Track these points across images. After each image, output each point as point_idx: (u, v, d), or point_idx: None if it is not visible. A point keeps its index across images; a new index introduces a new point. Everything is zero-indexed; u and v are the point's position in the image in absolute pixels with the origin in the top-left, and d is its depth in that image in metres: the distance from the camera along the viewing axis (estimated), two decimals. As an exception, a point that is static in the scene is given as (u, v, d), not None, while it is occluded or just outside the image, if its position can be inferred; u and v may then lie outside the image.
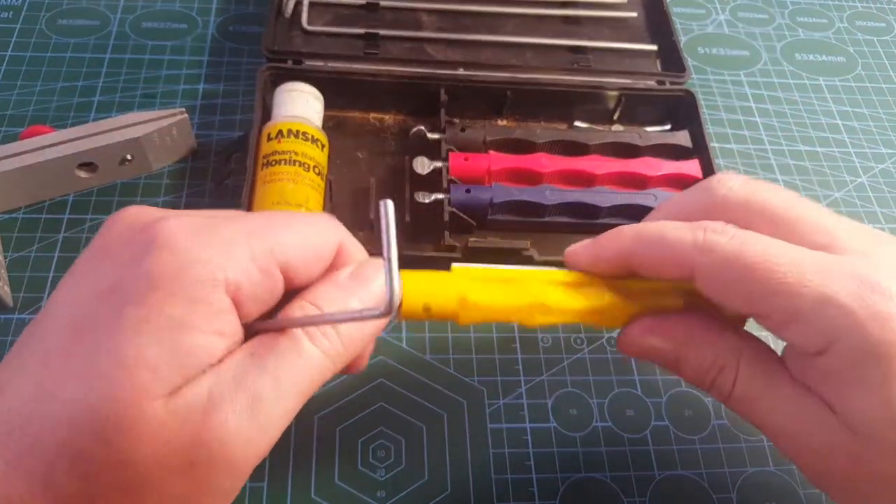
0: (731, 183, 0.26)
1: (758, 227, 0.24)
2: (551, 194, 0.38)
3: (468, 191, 0.38)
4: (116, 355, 0.19)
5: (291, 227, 0.23)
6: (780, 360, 0.25)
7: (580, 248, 0.28)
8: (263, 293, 0.22)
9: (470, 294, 0.27)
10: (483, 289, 0.27)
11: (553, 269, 0.28)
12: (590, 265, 0.28)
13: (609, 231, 0.27)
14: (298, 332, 0.22)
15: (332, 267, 0.24)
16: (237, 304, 0.21)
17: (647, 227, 0.26)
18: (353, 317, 0.21)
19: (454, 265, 0.27)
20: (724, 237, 0.24)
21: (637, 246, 0.26)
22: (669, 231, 0.25)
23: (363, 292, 0.24)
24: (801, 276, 0.22)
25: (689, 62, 0.46)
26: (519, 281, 0.27)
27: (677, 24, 0.50)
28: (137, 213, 0.22)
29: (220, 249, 0.20)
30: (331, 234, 0.24)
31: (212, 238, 0.20)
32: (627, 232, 0.27)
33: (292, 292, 0.23)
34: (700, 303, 0.27)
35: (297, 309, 0.22)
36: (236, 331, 0.21)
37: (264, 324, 0.22)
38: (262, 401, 0.20)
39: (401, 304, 0.23)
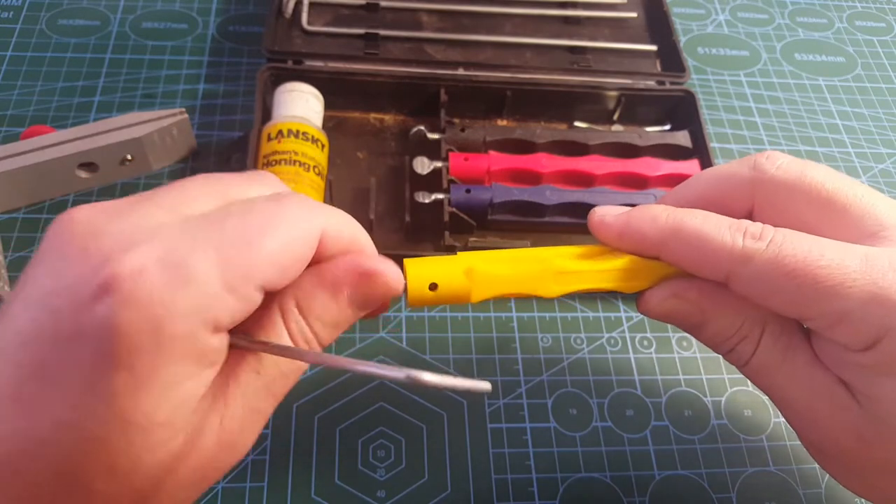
0: (779, 161, 0.25)
1: (803, 211, 0.24)
2: (551, 194, 0.38)
3: (468, 191, 0.38)
4: (108, 417, 0.18)
5: (271, 237, 0.20)
6: (802, 333, 0.25)
7: (611, 218, 0.26)
8: (242, 315, 0.20)
9: (478, 265, 0.25)
10: (492, 259, 0.25)
11: (565, 246, 0.26)
12: (614, 238, 0.25)
13: (642, 208, 0.25)
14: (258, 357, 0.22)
15: (317, 258, 0.22)
16: (217, 329, 0.19)
17: (686, 222, 0.24)
18: (387, 376, 0.20)
19: (459, 252, 0.26)
20: (762, 243, 0.22)
21: (672, 240, 0.24)
22: (709, 231, 0.23)
23: (361, 312, 0.23)
24: (845, 277, 0.21)
25: (689, 62, 0.46)
26: (531, 252, 0.26)
27: (677, 24, 0.51)
28: (87, 226, 0.19)
29: (196, 297, 0.18)
30: (314, 229, 0.21)
31: (184, 282, 0.18)
32: (664, 220, 0.24)
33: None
34: None
35: (293, 324, 0.22)
36: (223, 353, 0.20)
37: (255, 343, 0.21)
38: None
39: (406, 289, 0.23)
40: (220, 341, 0.20)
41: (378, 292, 0.23)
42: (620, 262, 0.25)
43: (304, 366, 0.23)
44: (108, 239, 0.18)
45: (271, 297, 0.22)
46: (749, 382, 0.36)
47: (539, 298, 0.27)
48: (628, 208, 0.26)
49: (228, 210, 0.20)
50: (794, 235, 0.22)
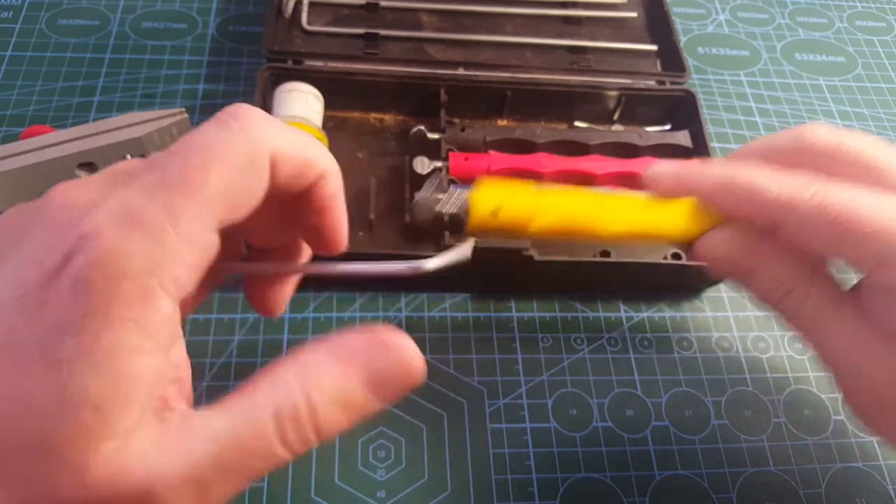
0: (819, 130, 0.26)
1: (845, 174, 0.25)
2: (551, 194, 0.38)
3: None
4: (59, 390, 0.16)
5: (212, 172, 0.18)
6: (848, 291, 0.26)
7: (664, 169, 0.27)
8: (201, 266, 0.18)
9: (544, 191, 0.25)
10: (557, 190, 0.25)
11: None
12: (668, 189, 0.27)
13: (693, 163, 0.27)
14: (273, 436, 0.18)
15: (275, 186, 0.20)
16: (177, 290, 0.18)
17: (738, 174, 0.26)
18: (388, 271, 0.19)
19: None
20: (807, 193, 0.24)
21: (724, 190, 0.26)
22: (759, 183, 0.25)
23: (377, 397, 0.21)
24: (884, 223, 0.23)
25: (689, 62, 0.46)
26: (591, 191, 0.26)
27: (677, 24, 0.50)
28: (68, 192, 0.19)
29: (151, 248, 0.17)
30: (260, 154, 0.19)
31: (140, 235, 0.17)
32: (717, 172, 0.26)
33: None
34: None
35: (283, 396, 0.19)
36: (178, 332, 0.19)
37: (250, 266, 0.20)
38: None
39: (469, 212, 0.23)
40: (174, 311, 0.18)
41: (395, 372, 0.21)
42: (676, 206, 0.26)
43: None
44: (76, 210, 0.18)
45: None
46: (749, 382, 0.36)
47: (594, 239, 0.27)
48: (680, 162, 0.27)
49: (170, 151, 0.18)
50: (836, 186, 0.24)
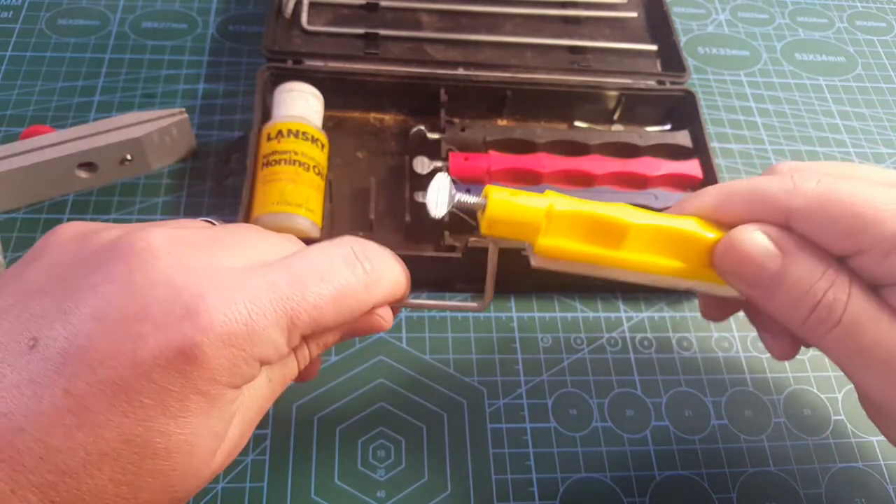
0: (808, 184, 0.24)
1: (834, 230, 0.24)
2: (551, 194, 0.38)
3: (468, 191, 0.38)
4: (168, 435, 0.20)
5: (331, 306, 0.22)
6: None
7: (674, 207, 0.27)
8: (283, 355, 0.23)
9: (557, 204, 0.24)
10: (572, 202, 0.25)
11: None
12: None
13: (688, 194, 0.27)
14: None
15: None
16: (263, 364, 0.22)
17: (737, 183, 0.25)
18: (451, 307, 0.27)
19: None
20: (813, 181, 0.23)
21: (729, 200, 0.25)
22: (760, 183, 0.24)
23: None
24: (890, 206, 0.22)
25: (689, 62, 0.46)
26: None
27: (677, 24, 0.51)
28: (171, 258, 0.21)
29: (261, 341, 0.21)
30: (368, 305, 0.24)
31: (256, 328, 0.21)
32: (714, 189, 0.26)
33: None
34: None
35: None
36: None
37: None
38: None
39: (484, 210, 0.24)
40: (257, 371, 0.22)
41: (367, 332, 0.26)
42: (688, 218, 0.25)
43: (294, 374, 0.25)
44: (192, 276, 0.20)
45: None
46: (749, 382, 0.36)
47: (606, 269, 0.26)
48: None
49: (305, 283, 0.22)
50: (837, 168, 0.25)
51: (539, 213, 0.24)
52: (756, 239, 0.24)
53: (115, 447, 0.19)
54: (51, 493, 0.18)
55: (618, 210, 0.25)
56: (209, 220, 0.26)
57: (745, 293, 0.25)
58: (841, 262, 0.24)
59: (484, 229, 0.25)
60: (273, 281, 0.21)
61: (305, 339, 0.23)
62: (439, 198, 0.25)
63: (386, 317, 0.26)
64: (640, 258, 0.25)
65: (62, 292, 0.20)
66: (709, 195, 0.26)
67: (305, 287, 0.22)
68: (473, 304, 0.28)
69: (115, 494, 0.19)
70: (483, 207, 0.24)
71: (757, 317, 0.28)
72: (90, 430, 0.19)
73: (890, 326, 0.23)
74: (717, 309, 0.29)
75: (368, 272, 0.24)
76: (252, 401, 0.23)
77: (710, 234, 0.25)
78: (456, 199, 0.25)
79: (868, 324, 0.23)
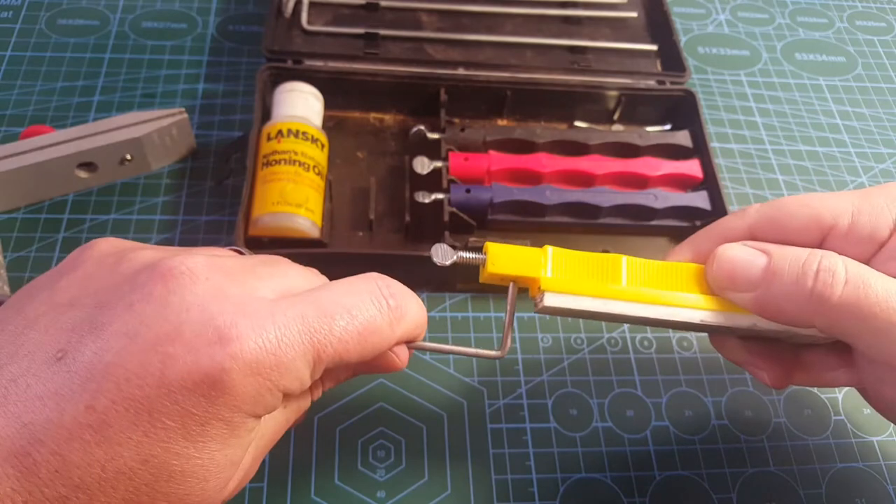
0: (839, 287, 0.24)
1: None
2: (551, 194, 0.38)
3: (468, 191, 0.38)
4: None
5: (358, 344, 0.23)
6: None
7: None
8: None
9: (555, 250, 0.26)
10: (570, 253, 0.26)
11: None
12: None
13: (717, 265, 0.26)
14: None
15: None
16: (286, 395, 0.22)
17: (700, 232, 0.28)
18: (469, 353, 0.27)
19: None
20: (839, 282, 0.23)
21: (700, 245, 0.27)
22: (719, 222, 0.26)
23: None
24: (837, 195, 0.24)
25: (690, 62, 0.46)
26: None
27: (677, 23, 0.51)
28: (209, 285, 0.21)
29: (287, 373, 0.21)
30: (393, 340, 0.24)
31: (285, 360, 0.21)
32: (685, 243, 0.28)
33: None
34: None
35: None
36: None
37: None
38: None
39: (485, 264, 0.26)
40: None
41: (382, 371, 0.26)
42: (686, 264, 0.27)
43: (307, 407, 0.25)
44: (227, 303, 0.21)
45: None
46: (749, 382, 0.36)
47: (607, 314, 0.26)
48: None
49: (332, 317, 0.22)
50: (874, 272, 0.23)
51: (537, 254, 0.26)
52: (738, 247, 0.25)
53: (132, 466, 0.19)
54: None
55: (612, 256, 0.26)
56: (237, 249, 0.27)
57: (748, 302, 0.25)
58: None
59: (486, 276, 0.26)
60: (302, 313, 0.21)
61: (324, 377, 0.24)
62: (443, 255, 0.26)
63: (402, 356, 0.26)
64: (640, 291, 0.25)
65: (95, 307, 0.20)
66: (684, 246, 0.28)
67: (333, 321, 0.22)
68: (492, 353, 0.27)
69: None
70: (483, 262, 0.26)
71: (752, 353, 0.28)
72: (109, 447, 0.19)
73: (893, 283, 0.23)
74: (772, 369, 0.29)
75: (393, 309, 0.24)
76: (266, 429, 0.23)
77: (700, 267, 0.27)
78: (457, 256, 0.26)
79: (874, 278, 0.23)
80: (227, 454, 0.21)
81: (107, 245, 0.23)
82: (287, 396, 0.22)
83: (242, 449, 0.21)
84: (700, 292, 0.26)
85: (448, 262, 0.26)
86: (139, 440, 0.19)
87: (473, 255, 0.26)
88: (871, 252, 0.24)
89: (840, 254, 0.24)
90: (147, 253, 0.23)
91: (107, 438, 0.19)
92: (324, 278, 0.26)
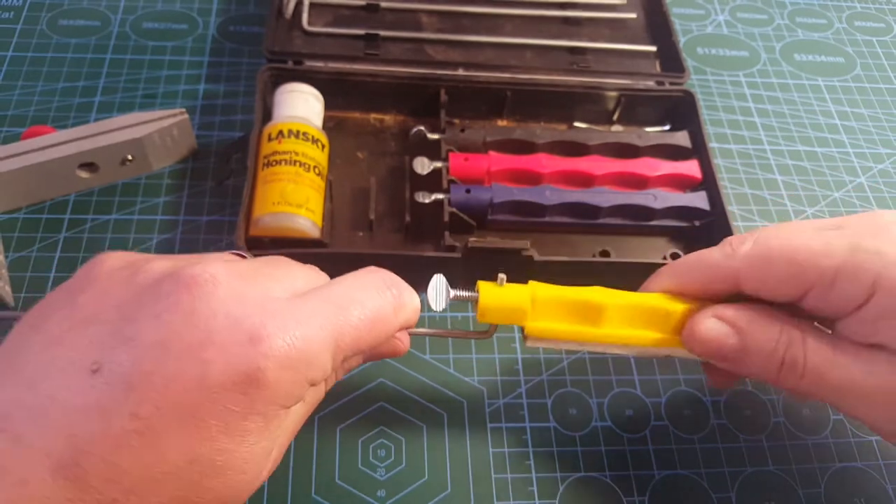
0: (744, 246, 0.28)
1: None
2: (551, 194, 0.38)
3: (468, 191, 0.38)
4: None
5: (369, 329, 0.24)
6: (834, 335, 0.27)
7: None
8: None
9: (539, 291, 0.28)
10: (552, 289, 0.29)
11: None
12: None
13: (652, 276, 0.30)
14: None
15: None
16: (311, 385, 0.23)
17: (686, 259, 0.30)
18: (459, 335, 0.32)
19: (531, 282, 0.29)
20: (748, 243, 0.27)
21: (683, 277, 0.29)
22: (705, 256, 0.28)
23: None
24: (825, 245, 0.25)
25: (689, 63, 0.46)
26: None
27: (676, 24, 0.51)
28: (229, 289, 0.22)
29: (313, 365, 0.22)
30: (396, 328, 0.26)
31: (310, 355, 0.22)
32: (668, 269, 0.30)
33: None
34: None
35: None
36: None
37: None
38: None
39: (477, 302, 0.28)
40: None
41: (389, 356, 0.29)
42: (661, 299, 0.29)
43: (321, 396, 0.27)
44: (249, 305, 0.22)
45: None
46: (748, 382, 0.36)
47: (592, 346, 0.29)
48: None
49: (347, 309, 0.24)
50: (769, 230, 0.27)
51: (525, 298, 0.28)
52: (711, 325, 0.28)
53: (180, 466, 0.20)
54: None
55: (594, 293, 0.28)
56: (238, 252, 0.28)
57: (722, 365, 0.29)
58: (795, 309, 0.27)
59: (479, 317, 0.28)
60: (319, 308, 0.23)
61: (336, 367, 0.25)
62: (437, 295, 0.28)
63: (405, 341, 0.28)
64: (619, 332, 0.29)
65: (120, 321, 0.21)
66: (665, 276, 0.30)
67: (348, 312, 0.23)
68: (480, 332, 0.30)
69: None
70: (476, 300, 0.28)
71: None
72: (156, 451, 0.20)
73: (850, 361, 0.26)
74: (720, 376, 0.32)
75: (396, 297, 0.25)
76: (291, 421, 0.24)
77: (678, 305, 0.29)
78: (452, 294, 0.28)
79: (829, 369, 0.26)
80: (263, 446, 0.22)
81: (115, 260, 0.24)
82: (313, 386, 0.23)
83: (275, 440, 0.23)
84: (671, 333, 0.29)
85: (442, 307, 0.28)
86: (185, 441, 0.20)
87: (468, 294, 0.28)
88: (846, 312, 0.26)
89: (817, 309, 0.27)
90: (161, 263, 0.23)
91: (153, 443, 0.19)
92: (325, 275, 0.27)
